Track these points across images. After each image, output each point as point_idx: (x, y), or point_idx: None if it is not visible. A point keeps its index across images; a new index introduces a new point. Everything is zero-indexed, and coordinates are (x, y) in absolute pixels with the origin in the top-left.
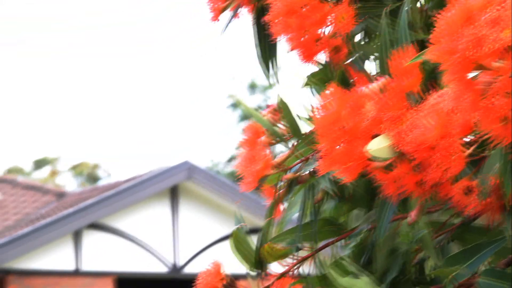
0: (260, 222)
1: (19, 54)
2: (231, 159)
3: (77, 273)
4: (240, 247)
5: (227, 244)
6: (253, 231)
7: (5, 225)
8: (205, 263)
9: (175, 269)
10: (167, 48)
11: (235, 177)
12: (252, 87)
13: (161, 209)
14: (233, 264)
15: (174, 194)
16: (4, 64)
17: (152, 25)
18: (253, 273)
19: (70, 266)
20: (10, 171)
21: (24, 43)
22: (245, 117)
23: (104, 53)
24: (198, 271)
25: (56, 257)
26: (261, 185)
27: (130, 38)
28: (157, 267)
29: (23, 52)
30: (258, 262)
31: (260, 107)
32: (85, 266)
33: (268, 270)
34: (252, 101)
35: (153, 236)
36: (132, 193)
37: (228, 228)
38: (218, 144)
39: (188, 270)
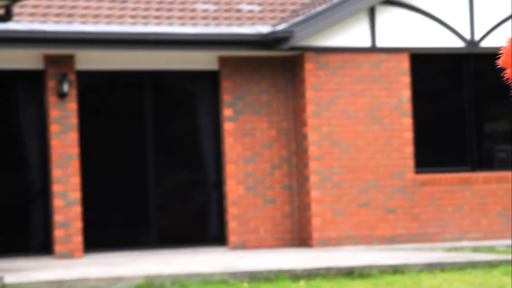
0: None
1: None
2: None
3: (372, 49)
4: None
5: None
6: None
7: (302, 3)
8: (503, 37)
9: (472, 43)
10: None
11: None
12: None
13: None
14: None
15: None
16: None
17: None
18: None
19: (365, 43)
20: None
21: None
22: None
23: None
24: (495, 45)
25: (352, 34)
26: None
27: None
28: (453, 42)
29: None
30: None
31: None
32: (381, 43)
33: None
34: None
35: (448, 11)
36: None
37: None
38: None
39: (484, 44)
